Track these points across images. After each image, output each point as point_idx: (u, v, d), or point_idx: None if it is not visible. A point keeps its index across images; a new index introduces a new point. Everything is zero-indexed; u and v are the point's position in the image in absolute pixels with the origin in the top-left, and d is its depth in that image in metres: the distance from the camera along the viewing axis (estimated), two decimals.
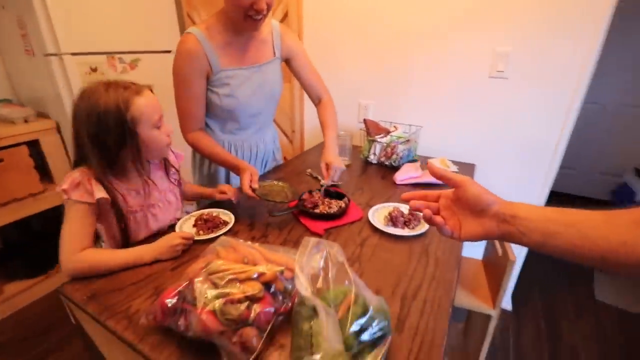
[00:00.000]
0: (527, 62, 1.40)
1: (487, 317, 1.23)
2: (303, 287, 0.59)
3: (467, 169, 1.49)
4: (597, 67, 1.40)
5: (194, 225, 0.94)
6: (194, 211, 1.01)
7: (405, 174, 1.28)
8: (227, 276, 0.61)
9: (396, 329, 0.64)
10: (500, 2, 1.37)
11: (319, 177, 1.26)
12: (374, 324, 0.56)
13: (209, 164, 1.25)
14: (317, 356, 0.51)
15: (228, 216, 0.98)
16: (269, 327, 0.58)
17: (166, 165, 0.99)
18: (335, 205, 1.03)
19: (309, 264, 0.62)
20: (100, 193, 0.80)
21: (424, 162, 1.45)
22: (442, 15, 1.48)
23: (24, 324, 1.62)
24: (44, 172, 1.70)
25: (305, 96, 1.52)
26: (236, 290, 0.59)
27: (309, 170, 1.40)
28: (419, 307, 0.70)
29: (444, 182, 0.54)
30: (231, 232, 0.93)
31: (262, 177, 1.24)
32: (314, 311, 0.56)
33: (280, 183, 1.09)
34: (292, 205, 1.03)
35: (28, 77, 1.78)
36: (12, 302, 1.68)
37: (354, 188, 1.24)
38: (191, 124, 1.09)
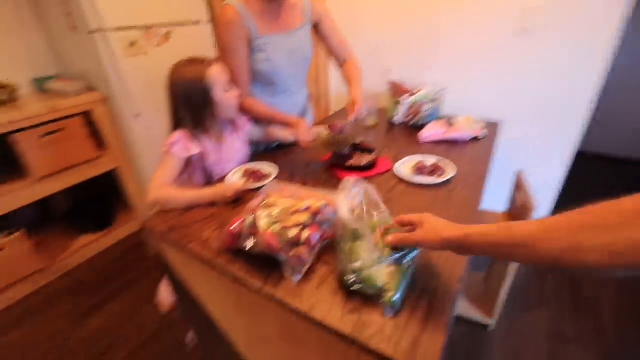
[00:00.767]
0: (557, 17, 1.39)
1: (507, 264, 1.33)
2: (344, 214, 0.72)
3: (492, 127, 1.53)
4: (632, 21, 1.38)
5: (243, 176, 1.08)
6: None
7: (431, 131, 1.35)
8: (281, 209, 0.74)
9: (420, 262, 0.76)
10: None
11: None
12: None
13: None
14: (357, 264, 0.64)
15: (271, 168, 1.11)
16: (317, 248, 0.72)
17: (235, 129, 1.18)
18: (365, 159, 1.13)
19: (349, 198, 0.75)
20: (195, 149, 1.03)
21: (449, 120, 1.51)
22: None
23: (95, 269, 1.89)
24: (97, 140, 1.90)
25: (329, 62, 1.57)
26: (290, 220, 0.72)
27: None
28: None
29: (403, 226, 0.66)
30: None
31: None
32: (353, 235, 0.69)
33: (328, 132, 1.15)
34: (325, 159, 1.14)
35: (74, 53, 1.93)
36: (82, 252, 1.95)
37: (381, 146, 1.33)
38: (244, 90, 1.19)
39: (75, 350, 1.43)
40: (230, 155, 1.16)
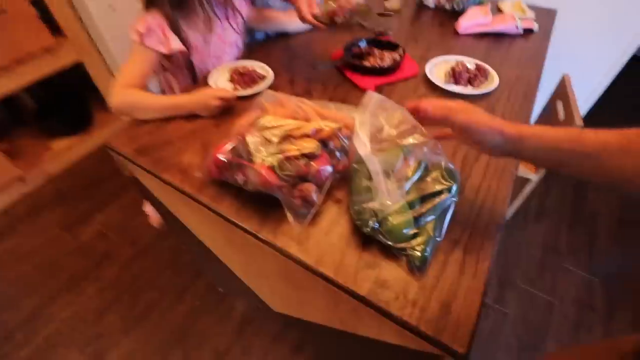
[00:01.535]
0: None
1: (525, 181, 1.21)
2: (363, 146, 0.54)
3: (546, 15, 1.20)
4: None
5: (230, 80, 0.84)
6: None
7: (472, 20, 1.05)
8: (280, 132, 0.55)
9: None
10: None
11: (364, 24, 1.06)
12: (437, 187, 0.52)
13: None
14: (377, 205, 0.50)
15: (265, 70, 0.87)
16: (328, 184, 0.56)
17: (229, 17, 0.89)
18: (387, 58, 0.88)
19: (371, 121, 0.55)
20: (176, 44, 0.79)
21: (494, 6, 1.17)
22: None
23: (79, 175, 1.77)
24: (54, 28, 1.54)
25: None
26: (292, 147, 0.54)
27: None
28: (481, 170, 0.65)
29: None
30: (271, 89, 0.83)
31: None
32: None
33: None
34: (336, 57, 0.89)
35: None
36: (62, 158, 1.79)
37: (406, 39, 1.04)
38: None
39: (70, 260, 1.40)
40: (220, 50, 0.90)
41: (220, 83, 0.84)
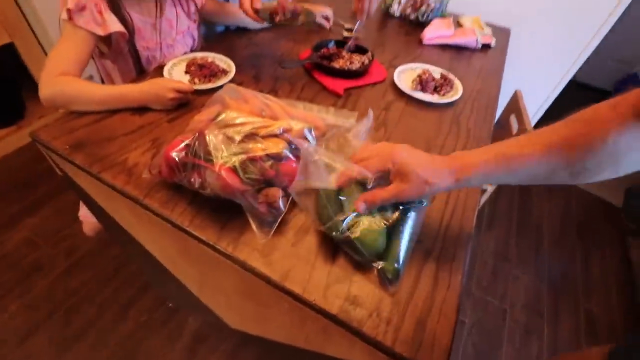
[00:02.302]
0: None
1: (480, 192, 1.26)
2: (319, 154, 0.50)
3: (501, 33, 1.27)
4: None
5: (187, 72, 0.76)
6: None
7: (436, 31, 1.07)
8: (244, 130, 0.50)
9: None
10: None
11: (341, 22, 1.03)
12: None
13: None
14: (348, 217, 0.46)
15: (227, 64, 0.80)
16: None
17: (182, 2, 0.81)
18: (357, 61, 0.86)
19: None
20: (114, 25, 0.68)
21: (455, 20, 1.22)
22: None
23: (7, 173, 1.54)
24: None
25: None
26: (258, 147, 0.49)
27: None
28: None
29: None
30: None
31: None
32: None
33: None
34: (304, 57, 0.85)
35: None
36: None
37: (373, 44, 1.04)
38: None
39: None
40: (171, 38, 0.81)
41: (175, 74, 0.76)
